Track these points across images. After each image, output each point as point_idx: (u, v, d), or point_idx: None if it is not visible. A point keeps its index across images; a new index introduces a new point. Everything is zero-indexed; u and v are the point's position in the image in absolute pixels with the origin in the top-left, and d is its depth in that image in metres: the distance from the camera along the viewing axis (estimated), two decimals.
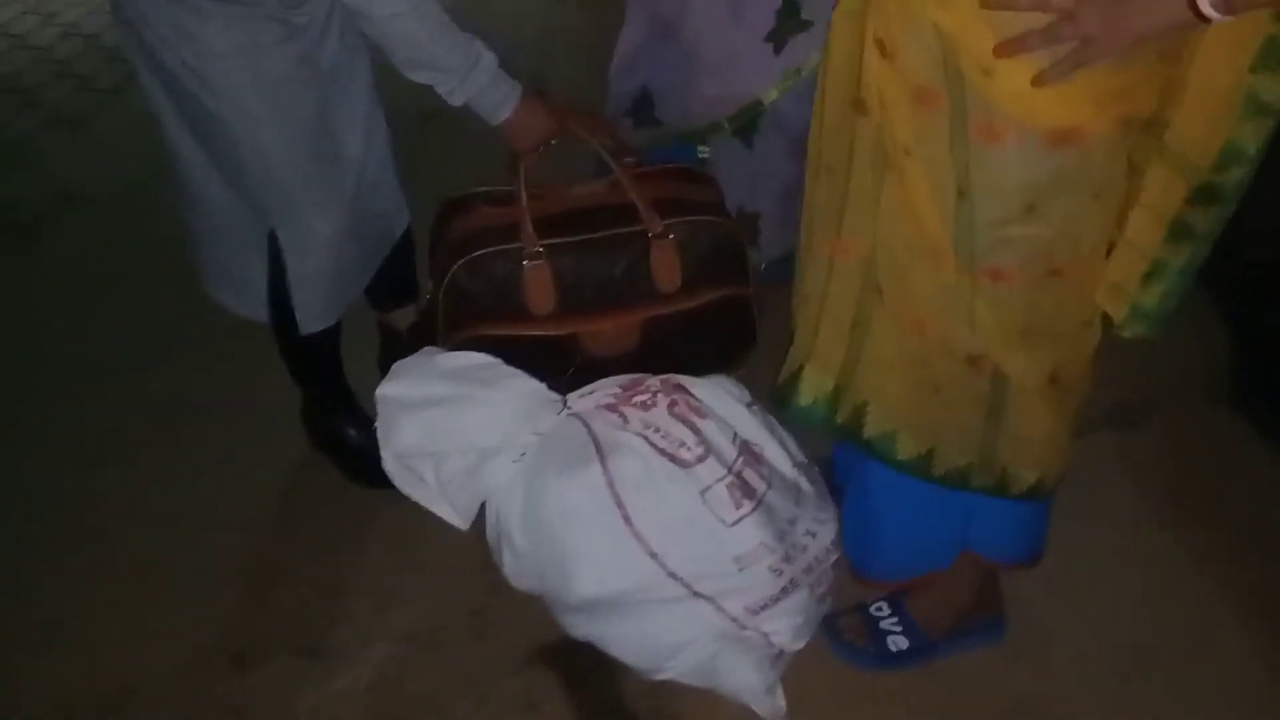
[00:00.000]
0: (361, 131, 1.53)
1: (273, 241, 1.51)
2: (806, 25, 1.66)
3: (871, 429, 1.28)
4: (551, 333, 1.48)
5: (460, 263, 1.46)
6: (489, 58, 1.39)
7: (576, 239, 1.47)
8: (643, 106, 1.88)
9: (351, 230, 1.53)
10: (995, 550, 1.39)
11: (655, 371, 1.46)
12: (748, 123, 1.80)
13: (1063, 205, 1.02)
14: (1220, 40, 0.95)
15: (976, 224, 1.04)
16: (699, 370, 1.48)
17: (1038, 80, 0.92)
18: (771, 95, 1.76)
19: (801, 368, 1.34)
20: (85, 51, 3.36)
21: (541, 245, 1.44)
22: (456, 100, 1.39)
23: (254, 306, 1.64)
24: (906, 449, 1.27)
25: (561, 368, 1.48)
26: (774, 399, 1.40)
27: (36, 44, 3.41)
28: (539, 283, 1.45)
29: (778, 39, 1.70)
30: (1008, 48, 0.92)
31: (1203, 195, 1.02)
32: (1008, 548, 1.39)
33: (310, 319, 1.58)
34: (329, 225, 1.50)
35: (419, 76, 1.37)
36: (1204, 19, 0.85)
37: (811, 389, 1.33)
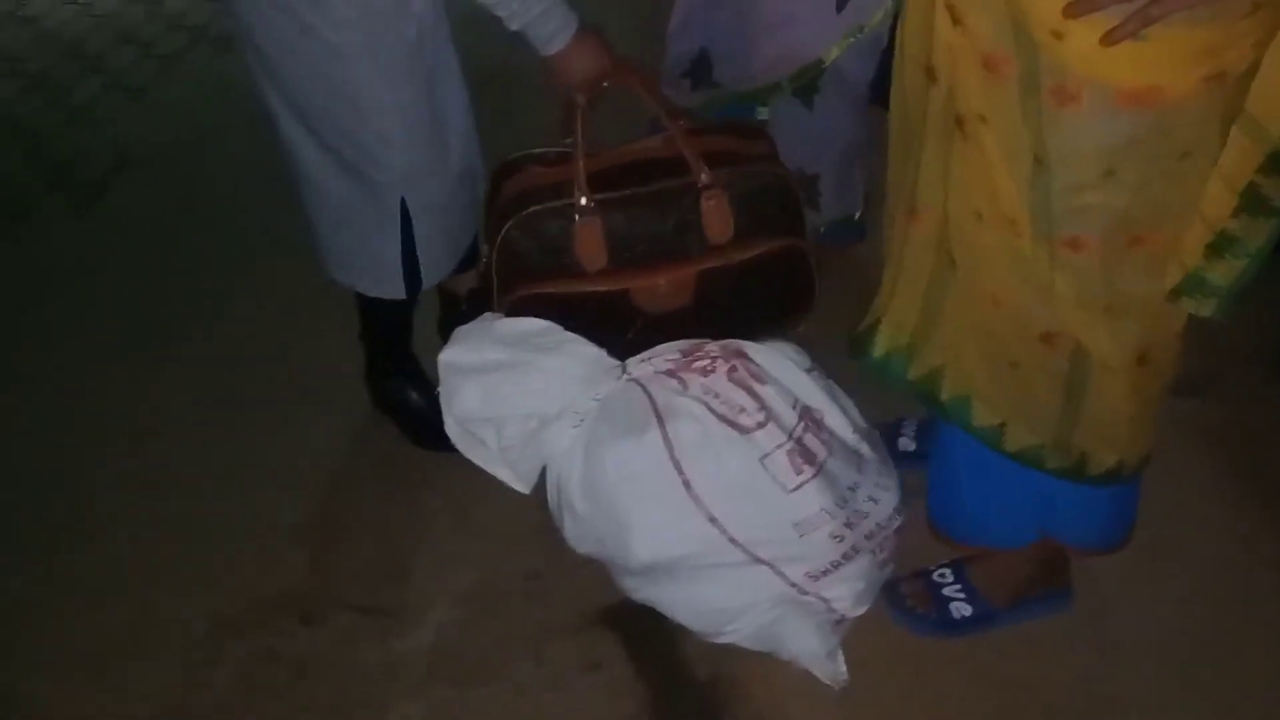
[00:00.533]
0: (456, 88, 1.53)
1: (403, 207, 1.51)
2: None
3: (947, 392, 1.26)
4: (604, 289, 1.47)
5: (511, 222, 1.45)
6: None
7: (626, 193, 1.45)
8: (701, 68, 1.85)
9: (458, 189, 1.55)
10: (1074, 536, 1.36)
11: (712, 329, 1.45)
12: (808, 83, 1.76)
13: (1143, 169, 0.98)
14: None
15: (1053, 191, 1.01)
16: (756, 326, 1.47)
17: (1106, 39, 0.88)
18: (833, 54, 1.71)
19: (879, 320, 1.32)
20: (147, 18, 3.39)
21: (592, 200, 1.43)
22: (514, 24, 1.37)
23: (385, 283, 1.61)
24: (981, 416, 1.24)
25: (619, 326, 1.48)
26: (850, 347, 1.38)
27: (101, 11, 3.45)
28: (590, 238, 1.44)
29: None
30: (1076, 7, 0.89)
31: (1277, 164, 0.98)
32: (1086, 535, 1.36)
33: (431, 274, 1.60)
34: (443, 185, 1.52)
35: None
36: None
37: (886, 341, 1.32)
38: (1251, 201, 1.00)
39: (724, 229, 1.48)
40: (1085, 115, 0.95)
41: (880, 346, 1.32)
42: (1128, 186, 0.99)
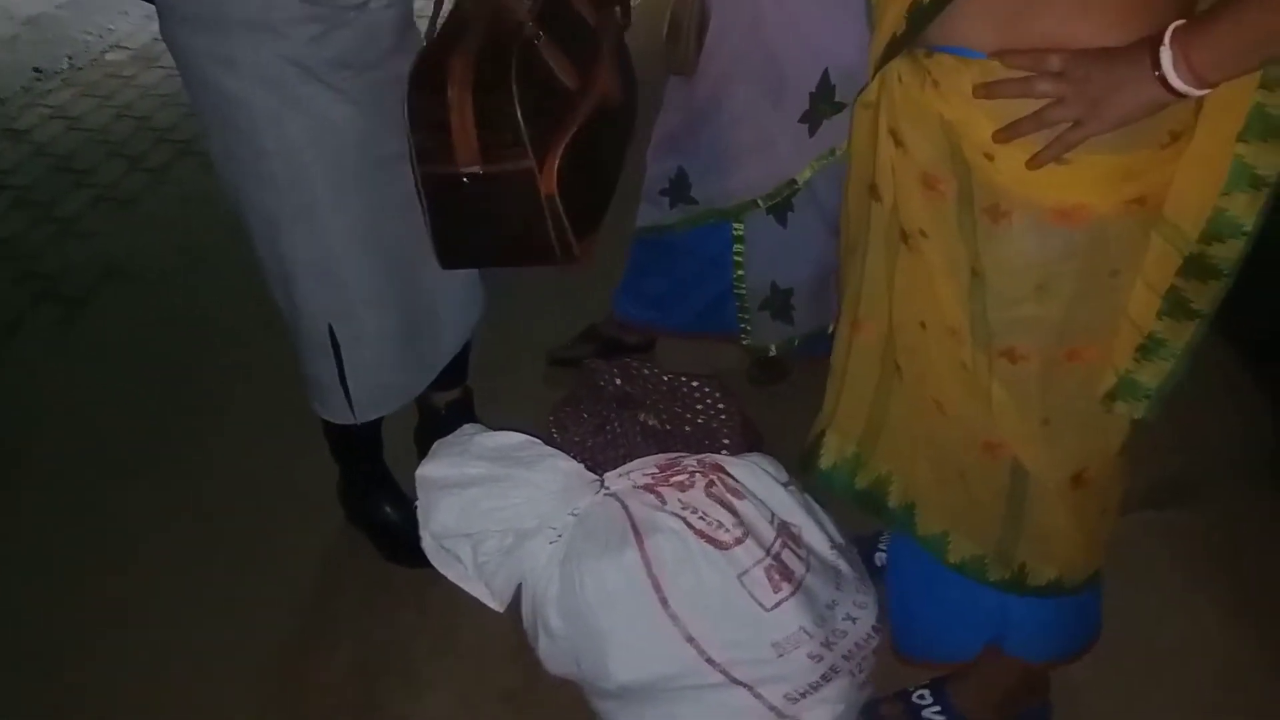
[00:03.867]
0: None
1: (330, 332, 1.51)
2: (840, 107, 1.68)
3: (894, 499, 1.28)
4: (593, 100, 1.38)
5: (509, 88, 1.26)
6: None
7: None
8: (679, 185, 1.91)
9: (408, 328, 1.54)
10: (1026, 648, 1.35)
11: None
12: (782, 201, 1.82)
13: (1074, 284, 1.02)
14: (1211, 107, 0.96)
15: (990, 303, 1.05)
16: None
17: (1031, 162, 0.95)
18: (805, 175, 1.78)
19: (824, 432, 1.35)
20: (136, 133, 3.46)
21: (533, 24, 1.32)
22: None
23: (331, 407, 1.59)
24: (926, 525, 1.26)
25: (620, 132, 1.50)
26: (799, 462, 1.40)
27: (91, 125, 3.52)
28: (556, 55, 1.34)
29: (812, 120, 1.73)
30: (1004, 133, 0.95)
31: (1194, 268, 1.02)
32: (1037, 646, 1.35)
33: (365, 409, 1.58)
34: (380, 321, 1.50)
35: None
36: (1177, 94, 0.87)
37: (833, 452, 1.34)
38: (1174, 305, 1.04)
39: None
40: (1017, 231, 1.00)
41: (827, 458, 1.35)
42: (1061, 300, 1.03)
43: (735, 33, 1.73)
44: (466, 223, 1.38)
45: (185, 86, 1.38)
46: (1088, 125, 0.91)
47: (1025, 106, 0.94)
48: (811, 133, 1.74)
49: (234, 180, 1.41)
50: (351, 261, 1.45)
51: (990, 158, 0.98)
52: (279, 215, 1.40)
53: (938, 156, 1.02)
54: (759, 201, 1.84)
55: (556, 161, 1.32)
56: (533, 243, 1.37)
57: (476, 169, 1.30)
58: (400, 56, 1.37)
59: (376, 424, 1.68)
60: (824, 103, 1.71)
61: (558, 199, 1.33)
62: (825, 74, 1.68)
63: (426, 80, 1.29)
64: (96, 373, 2.38)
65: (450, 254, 1.42)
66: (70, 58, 3.93)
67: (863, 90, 1.13)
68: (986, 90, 0.95)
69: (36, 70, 3.85)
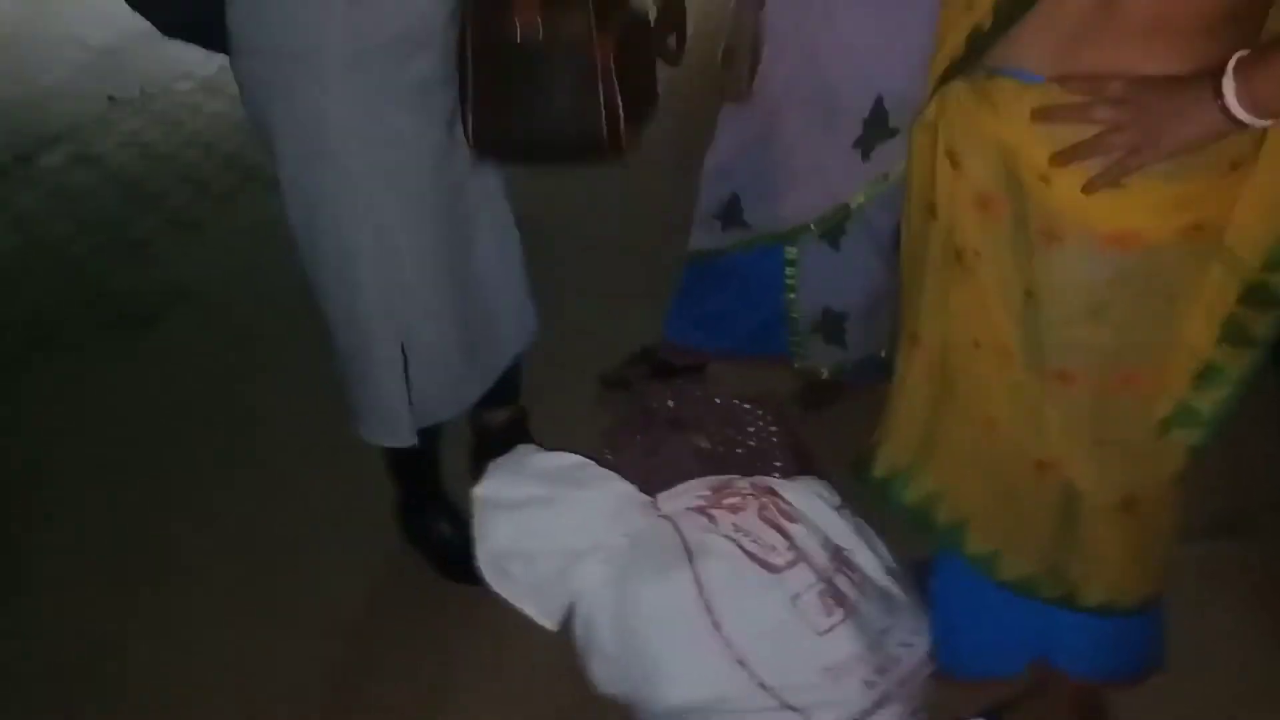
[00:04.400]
0: (487, 239, 1.54)
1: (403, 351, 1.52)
2: (894, 133, 1.69)
3: (943, 517, 1.28)
4: None
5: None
6: None
7: None
8: (732, 209, 1.92)
9: (467, 338, 1.56)
10: (1075, 664, 1.33)
11: None
12: (835, 226, 1.83)
13: (1128, 309, 1.02)
14: (1274, 137, 0.95)
15: (1043, 324, 1.05)
16: None
17: (1087, 186, 0.95)
18: (859, 200, 1.79)
19: (881, 442, 1.35)
20: (204, 159, 3.57)
21: None
22: None
23: (391, 430, 1.60)
24: (975, 544, 1.25)
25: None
26: (853, 466, 1.40)
27: (162, 152, 3.64)
28: None
29: (865, 146, 1.74)
30: (1061, 157, 0.96)
31: (1255, 296, 1.01)
32: (1087, 662, 1.33)
33: (420, 418, 1.59)
34: (442, 333, 1.53)
35: None
36: (1239, 124, 0.87)
37: (886, 463, 1.34)
38: (1232, 332, 1.04)
39: None
40: (1070, 254, 1.00)
41: (880, 467, 1.35)
42: (1114, 325, 1.03)
43: (789, 59, 1.74)
44: (513, 95, 1.32)
45: (255, 113, 1.41)
46: (1145, 152, 0.91)
47: (1083, 131, 0.94)
48: (865, 158, 1.75)
49: (307, 204, 1.43)
50: (424, 281, 1.47)
51: (1046, 181, 0.98)
52: (353, 238, 1.42)
53: (994, 178, 1.03)
54: (811, 226, 1.84)
55: (614, 35, 1.28)
56: (581, 124, 1.32)
57: (535, 30, 1.25)
58: None
59: (434, 444, 1.70)
60: (877, 129, 1.71)
61: (613, 72, 1.29)
62: (879, 100, 1.69)
63: None
64: (160, 392, 2.45)
65: (485, 133, 1.36)
66: (142, 86, 4.06)
67: (921, 112, 1.14)
68: (1045, 114, 0.95)
69: (111, 98, 3.98)
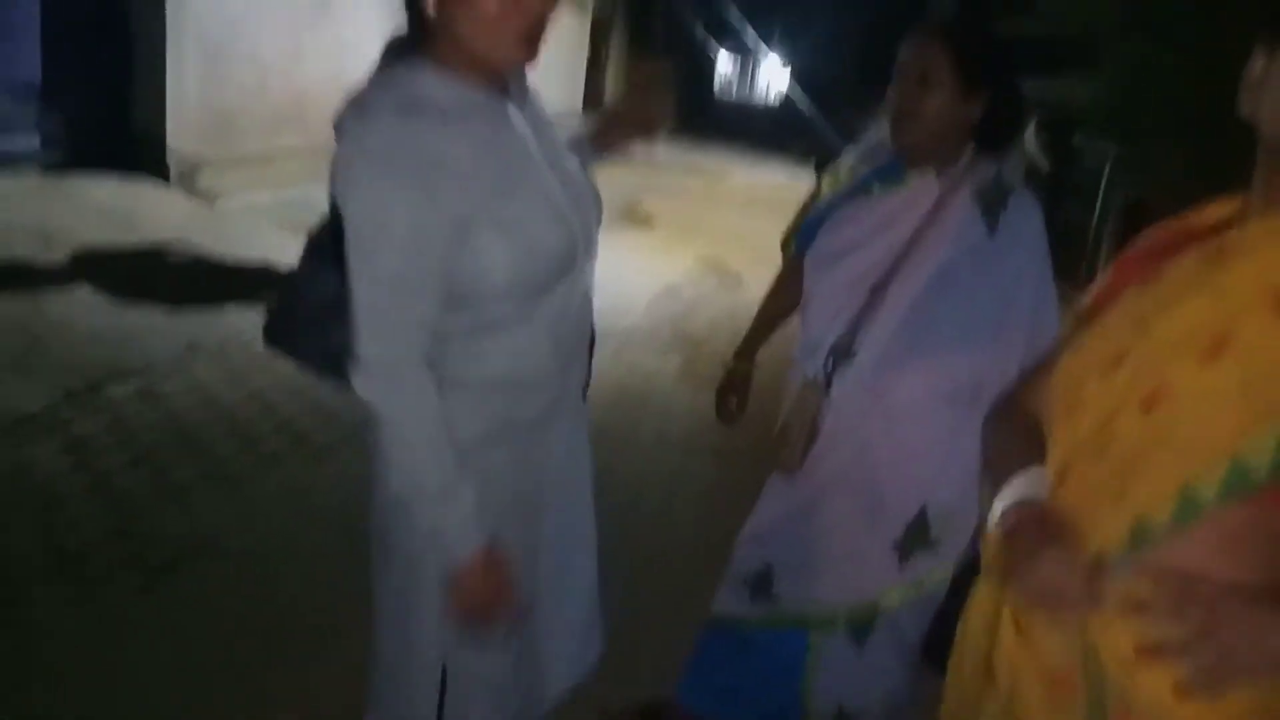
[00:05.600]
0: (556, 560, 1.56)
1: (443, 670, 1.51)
2: (934, 545, 1.75)
3: None
4: None
5: None
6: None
7: None
8: (762, 580, 1.95)
9: (514, 669, 1.54)
10: None
11: None
12: (863, 623, 1.84)
13: None
14: None
15: None
16: None
17: (1181, 690, 0.89)
18: (891, 601, 1.81)
19: None
20: (260, 417, 3.73)
21: None
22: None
23: None
24: None
25: None
26: None
27: (223, 404, 3.81)
28: None
29: (903, 549, 1.78)
30: (1149, 653, 0.91)
31: None
32: None
33: None
34: (490, 660, 1.51)
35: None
36: None
37: None
38: None
39: None
40: None
41: None
42: None
43: (843, 448, 1.82)
44: None
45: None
46: (1242, 663, 0.86)
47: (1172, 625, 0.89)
48: (901, 560, 1.79)
49: (390, 509, 1.46)
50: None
51: (1131, 670, 0.94)
52: (423, 553, 1.45)
53: (1069, 652, 0.98)
54: (838, 619, 1.85)
55: None
56: None
57: None
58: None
59: None
60: (918, 536, 1.77)
61: None
62: (923, 509, 1.76)
63: None
64: (165, 641, 2.42)
65: None
66: (222, 339, 4.32)
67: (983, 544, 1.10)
68: (1132, 607, 0.92)
69: (190, 346, 4.23)
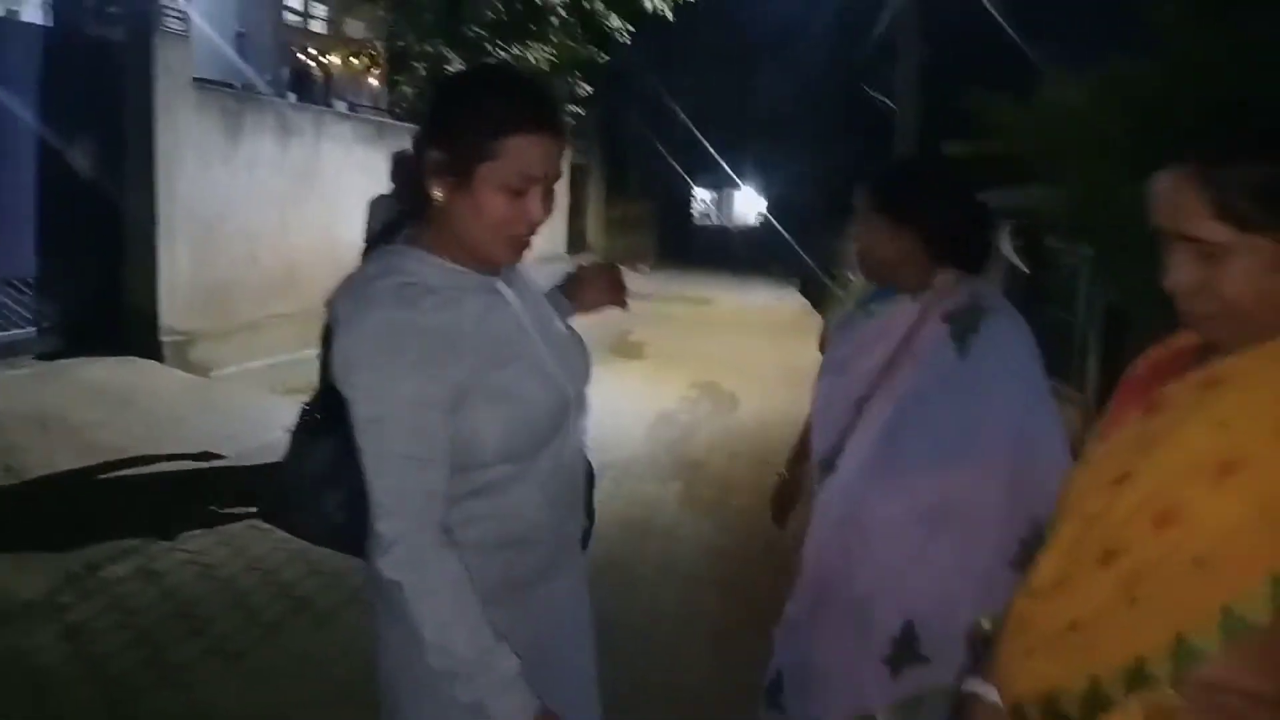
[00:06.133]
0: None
1: None
2: (924, 661, 1.74)
3: None
4: None
5: None
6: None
7: None
8: (775, 687, 1.96)
9: None
10: None
11: None
12: None
13: None
14: None
15: None
16: None
17: None
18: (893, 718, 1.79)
19: None
20: (260, 586, 3.71)
21: None
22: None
23: None
24: None
25: None
26: None
27: (222, 575, 3.79)
28: None
29: (894, 664, 1.78)
30: None
31: None
32: None
33: None
34: None
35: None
36: None
37: None
38: None
39: None
40: None
41: None
42: None
43: (827, 553, 1.86)
44: None
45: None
46: None
47: None
48: (893, 675, 1.78)
49: (422, 688, 1.44)
50: None
51: None
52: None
53: None
54: None
55: None
56: None
57: None
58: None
59: None
60: (906, 651, 1.76)
61: None
62: (910, 625, 1.75)
63: None
64: None
65: None
66: (218, 510, 4.33)
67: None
68: (1164, 715, 0.98)
69: (186, 518, 4.23)
